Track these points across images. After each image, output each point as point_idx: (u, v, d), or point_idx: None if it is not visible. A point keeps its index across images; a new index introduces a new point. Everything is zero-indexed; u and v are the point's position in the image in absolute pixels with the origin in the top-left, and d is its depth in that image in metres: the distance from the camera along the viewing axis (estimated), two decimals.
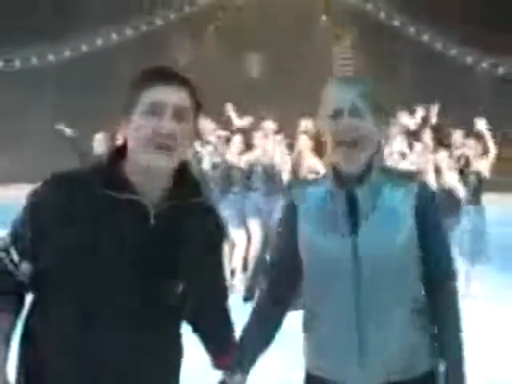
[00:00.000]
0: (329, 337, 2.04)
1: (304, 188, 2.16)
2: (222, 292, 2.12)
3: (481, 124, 7.72)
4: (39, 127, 17.07)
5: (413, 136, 8.29)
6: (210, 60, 16.51)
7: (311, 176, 6.96)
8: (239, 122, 8.56)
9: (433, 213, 2.08)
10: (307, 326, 2.13)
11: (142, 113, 1.80)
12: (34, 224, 1.78)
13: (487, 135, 7.67)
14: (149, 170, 1.80)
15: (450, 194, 7.40)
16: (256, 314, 2.17)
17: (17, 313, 1.84)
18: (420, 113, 8.85)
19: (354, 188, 2.02)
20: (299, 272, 2.10)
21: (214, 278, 2.07)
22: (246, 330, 2.13)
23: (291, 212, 2.12)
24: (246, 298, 6.59)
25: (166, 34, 19.63)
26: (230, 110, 8.66)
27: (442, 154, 7.56)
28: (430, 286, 2.08)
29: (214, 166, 7.61)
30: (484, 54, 18.36)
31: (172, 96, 1.81)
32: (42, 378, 1.81)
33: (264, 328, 2.15)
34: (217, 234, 2.06)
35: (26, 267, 1.79)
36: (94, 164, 1.94)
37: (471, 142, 7.66)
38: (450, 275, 2.11)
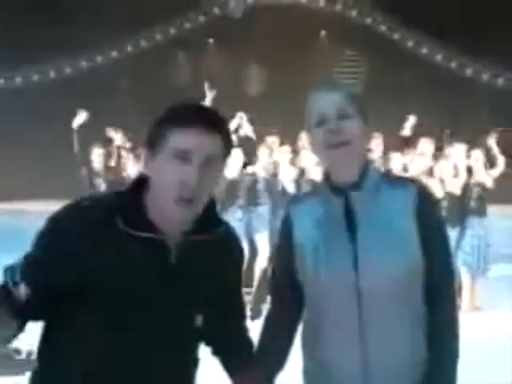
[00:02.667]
0: (331, 352, 1.98)
1: (300, 201, 2.12)
2: (241, 313, 2.08)
3: (490, 139, 7.75)
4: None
5: (406, 144, 8.22)
6: (210, 74, 16.50)
7: (308, 189, 6.97)
8: (248, 130, 8.54)
9: (433, 215, 2.02)
10: (307, 341, 2.08)
11: (167, 154, 1.66)
12: (53, 251, 1.66)
13: (495, 149, 7.68)
14: (170, 219, 1.70)
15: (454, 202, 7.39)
16: (268, 328, 2.13)
17: None
18: (412, 121, 8.77)
19: (350, 196, 1.96)
20: (301, 286, 2.05)
21: (235, 301, 2.03)
22: (262, 346, 2.08)
23: (287, 227, 2.08)
24: (253, 317, 6.46)
25: (166, 49, 19.69)
26: (243, 119, 8.64)
27: (445, 165, 7.54)
28: (429, 289, 2.00)
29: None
30: (485, 65, 18.39)
31: (202, 144, 1.66)
32: None
33: (278, 344, 2.10)
34: (239, 259, 1.99)
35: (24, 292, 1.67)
36: (115, 195, 1.78)
37: (476, 152, 7.63)
38: (448, 279, 2.05)
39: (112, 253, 1.66)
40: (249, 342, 2.07)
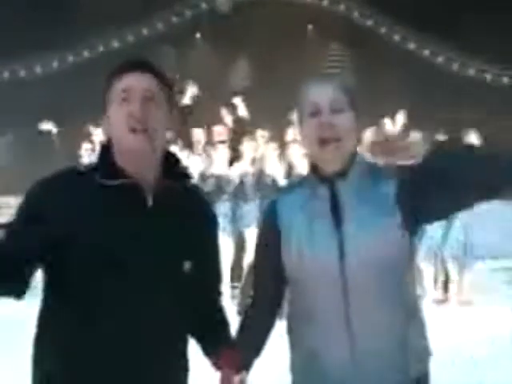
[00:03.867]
0: (316, 345, 1.99)
1: (285, 192, 2.14)
2: (217, 280, 2.16)
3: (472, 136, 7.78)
4: None
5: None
6: (198, 69, 16.47)
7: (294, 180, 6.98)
8: (243, 111, 8.53)
9: (421, 177, 1.95)
10: (292, 335, 2.09)
11: (115, 102, 1.95)
12: (33, 214, 1.82)
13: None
14: (132, 154, 1.88)
15: None
16: (249, 311, 2.17)
17: None
18: (401, 119, 8.78)
19: (336, 184, 1.98)
20: (284, 277, 2.07)
21: (213, 262, 2.11)
22: (242, 327, 2.13)
23: (272, 216, 2.08)
24: (241, 312, 6.46)
25: (153, 43, 19.60)
26: (238, 102, 8.63)
27: None
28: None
29: (203, 178, 7.57)
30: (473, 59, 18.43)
31: (136, 80, 1.94)
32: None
33: (256, 330, 2.14)
34: (212, 218, 2.13)
35: None
36: (91, 162, 2.03)
37: None
38: None
39: (94, 205, 1.83)
40: (225, 320, 2.15)
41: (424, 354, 2.04)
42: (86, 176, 1.90)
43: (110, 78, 1.99)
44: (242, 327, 2.13)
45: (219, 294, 2.17)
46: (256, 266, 2.19)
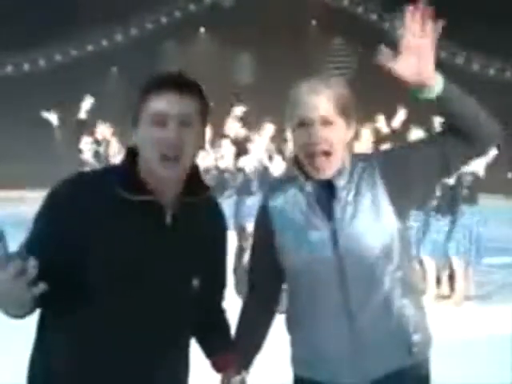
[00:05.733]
0: (319, 333, 1.99)
1: (277, 188, 2.11)
2: (222, 290, 2.14)
3: None
4: None
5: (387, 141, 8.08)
6: (201, 63, 16.48)
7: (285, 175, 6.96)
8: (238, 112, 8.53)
9: (402, 159, 1.99)
10: (293, 327, 2.09)
11: (146, 124, 1.79)
12: (54, 224, 1.76)
13: None
14: (160, 179, 1.81)
15: (446, 192, 7.40)
16: (244, 315, 2.14)
17: None
18: (401, 116, 8.71)
19: (327, 179, 1.97)
20: (280, 273, 2.07)
21: (222, 272, 2.10)
22: (240, 327, 2.11)
23: (265, 214, 2.08)
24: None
25: (157, 38, 19.60)
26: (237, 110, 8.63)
27: None
28: None
29: (205, 171, 7.56)
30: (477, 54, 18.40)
31: (174, 105, 1.79)
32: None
33: (255, 328, 2.13)
34: (224, 228, 2.09)
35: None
36: (110, 167, 1.97)
37: None
38: None
39: (113, 218, 1.75)
40: (226, 322, 2.13)
41: (423, 330, 2.04)
42: (104, 186, 1.79)
43: (146, 93, 1.81)
44: (241, 326, 2.13)
45: (222, 298, 2.16)
46: (252, 265, 2.19)
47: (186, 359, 1.99)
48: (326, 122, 1.92)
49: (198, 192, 1.92)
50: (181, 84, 1.81)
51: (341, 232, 1.94)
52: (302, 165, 2.01)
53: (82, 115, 8.43)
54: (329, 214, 1.96)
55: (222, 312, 2.15)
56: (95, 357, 1.79)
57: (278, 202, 2.06)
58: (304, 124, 1.94)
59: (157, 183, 1.82)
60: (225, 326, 2.14)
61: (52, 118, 8.45)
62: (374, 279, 1.94)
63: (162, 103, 1.78)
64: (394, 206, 1.96)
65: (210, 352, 2.10)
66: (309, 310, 2.01)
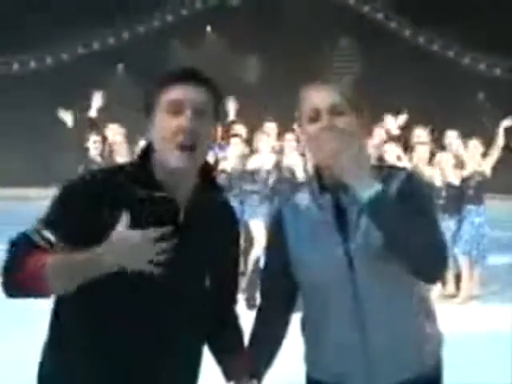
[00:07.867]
0: (332, 341, 1.99)
1: (290, 200, 2.10)
2: (233, 294, 2.13)
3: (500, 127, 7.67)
4: None
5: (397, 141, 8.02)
6: (207, 62, 16.45)
7: (296, 182, 6.93)
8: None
9: (415, 199, 1.92)
10: (307, 332, 2.09)
11: (163, 113, 1.83)
12: (69, 217, 1.77)
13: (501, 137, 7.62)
14: (176, 171, 1.82)
15: (452, 192, 7.39)
16: (259, 320, 2.12)
17: None
18: (403, 117, 8.69)
19: (340, 192, 1.94)
20: (294, 283, 2.05)
21: (234, 273, 2.10)
22: (254, 337, 2.08)
23: (278, 226, 2.07)
24: (251, 306, 6.40)
25: (163, 36, 19.61)
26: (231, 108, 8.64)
27: (445, 155, 7.52)
28: None
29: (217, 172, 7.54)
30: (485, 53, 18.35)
31: (190, 93, 1.83)
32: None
33: (271, 334, 2.10)
34: (238, 232, 2.11)
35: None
36: (125, 164, 1.99)
37: (474, 142, 7.61)
38: None
39: (126, 215, 1.72)
40: (238, 328, 2.10)
41: (437, 344, 2.05)
42: (119, 183, 1.81)
43: (161, 85, 1.86)
44: (255, 337, 2.09)
45: (235, 302, 2.15)
46: (265, 275, 2.18)
47: (197, 361, 1.99)
48: (336, 112, 1.91)
49: (210, 190, 1.94)
50: (197, 76, 1.87)
51: (355, 245, 1.93)
52: (321, 177, 2.00)
53: (93, 113, 8.33)
54: (343, 228, 1.95)
55: (234, 316, 2.12)
56: (106, 356, 1.80)
57: (290, 211, 2.06)
58: (315, 117, 1.92)
59: (170, 179, 1.84)
60: (237, 330, 2.10)
61: (67, 117, 8.30)
62: (387, 292, 1.94)
63: (179, 92, 1.83)
64: None
65: (221, 356, 2.07)
66: (322, 321, 2.01)
